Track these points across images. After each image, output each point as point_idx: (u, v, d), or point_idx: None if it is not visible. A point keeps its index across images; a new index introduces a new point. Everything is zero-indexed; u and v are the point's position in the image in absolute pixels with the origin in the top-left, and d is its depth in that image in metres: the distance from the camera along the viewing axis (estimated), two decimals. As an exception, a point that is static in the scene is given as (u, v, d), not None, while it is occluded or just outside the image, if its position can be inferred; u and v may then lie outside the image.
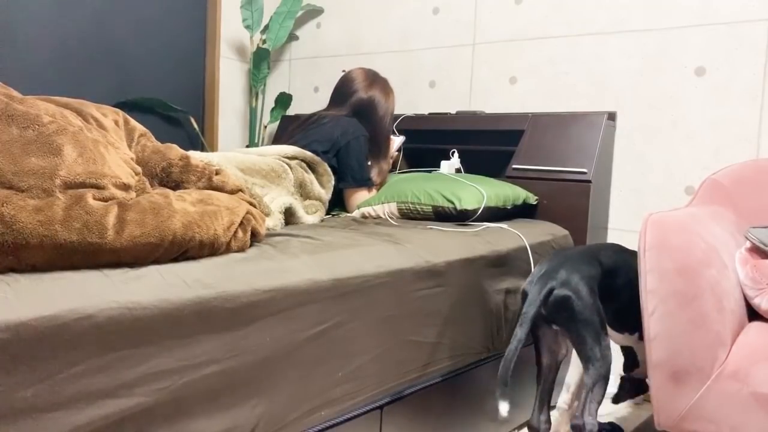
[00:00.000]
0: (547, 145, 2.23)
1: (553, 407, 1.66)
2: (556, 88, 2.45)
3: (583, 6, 2.38)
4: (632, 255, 1.60)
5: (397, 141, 2.40)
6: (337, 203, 2.15)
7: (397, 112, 2.76)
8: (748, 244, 1.53)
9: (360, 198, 2.12)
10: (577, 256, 1.49)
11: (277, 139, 2.32)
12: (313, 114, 2.21)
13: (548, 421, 1.48)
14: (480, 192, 1.93)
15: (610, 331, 1.55)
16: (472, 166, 2.39)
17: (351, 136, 2.09)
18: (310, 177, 1.93)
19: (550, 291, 1.41)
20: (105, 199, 1.01)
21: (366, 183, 2.13)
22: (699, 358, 1.31)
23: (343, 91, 2.25)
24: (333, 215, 2.11)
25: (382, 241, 1.48)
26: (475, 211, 1.88)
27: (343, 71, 2.86)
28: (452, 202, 1.89)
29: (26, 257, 0.91)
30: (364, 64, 2.98)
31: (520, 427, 1.91)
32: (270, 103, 3.22)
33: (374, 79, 2.26)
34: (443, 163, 2.35)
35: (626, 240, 2.30)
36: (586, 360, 1.41)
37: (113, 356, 0.89)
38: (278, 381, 1.13)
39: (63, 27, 2.57)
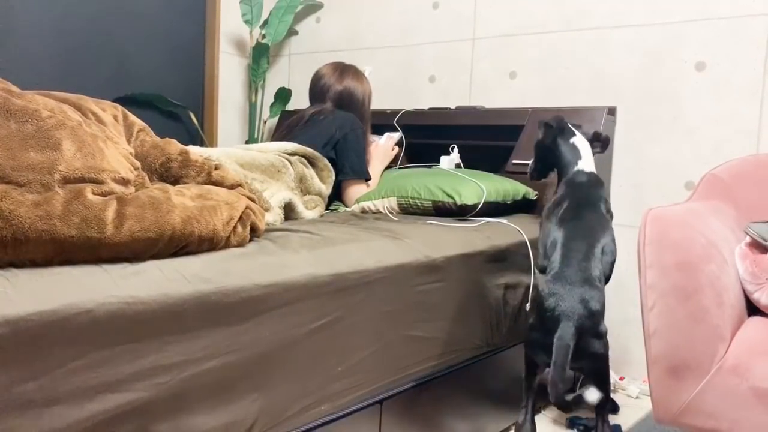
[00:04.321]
0: (547, 140, 2.22)
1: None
2: (556, 82, 2.44)
3: (583, 0, 2.37)
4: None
5: (394, 137, 2.40)
6: (336, 196, 2.16)
7: (396, 107, 2.76)
8: (747, 239, 1.53)
9: (358, 191, 2.12)
10: (582, 270, 1.44)
11: (274, 136, 2.33)
12: (303, 113, 2.21)
13: (534, 423, 1.53)
14: (480, 187, 1.93)
15: None
16: (471, 161, 2.39)
17: (348, 129, 2.11)
18: (310, 172, 1.93)
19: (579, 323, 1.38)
20: (104, 194, 1.01)
21: (365, 175, 2.14)
22: (698, 353, 1.31)
23: (318, 89, 2.27)
24: (332, 210, 2.11)
25: (382, 236, 1.48)
26: (474, 206, 1.88)
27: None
28: (452, 197, 1.89)
29: (25, 252, 0.91)
30: (363, 59, 2.98)
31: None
32: (269, 98, 3.21)
33: (343, 69, 2.29)
34: (443, 158, 2.35)
35: (626, 236, 2.30)
36: (606, 380, 1.46)
37: (113, 351, 0.89)
38: (278, 376, 1.13)
39: (62, 21, 2.56)
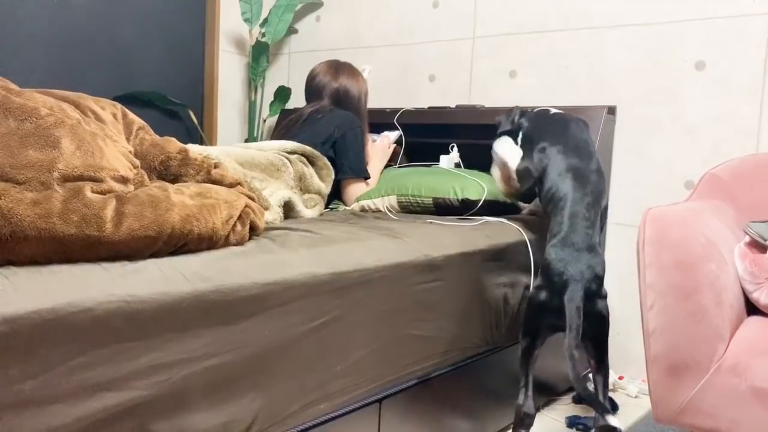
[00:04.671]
0: (547, 139, 2.22)
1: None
2: (555, 82, 2.44)
3: (582, 0, 2.37)
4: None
5: (392, 136, 2.40)
6: (335, 195, 2.16)
7: (396, 105, 2.76)
8: (747, 239, 1.53)
9: (358, 190, 2.12)
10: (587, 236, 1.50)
11: (273, 135, 2.33)
12: (301, 111, 2.21)
13: (534, 402, 1.52)
14: (480, 184, 1.93)
15: None
16: (471, 160, 2.39)
17: (347, 128, 2.10)
18: (309, 171, 1.93)
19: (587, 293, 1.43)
20: (103, 192, 1.01)
21: (364, 174, 2.13)
22: (697, 352, 1.31)
23: (313, 88, 2.27)
24: (332, 209, 2.11)
25: (381, 235, 1.48)
26: (476, 201, 1.88)
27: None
28: (455, 192, 1.89)
29: (24, 250, 0.91)
30: (363, 58, 2.98)
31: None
32: (269, 96, 3.21)
33: (338, 66, 2.29)
34: (442, 157, 2.35)
35: (626, 235, 2.30)
36: (605, 342, 1.47)
37: (112, 349, 0.89)
38: (277, 374, 1.14)
39: (62, 20, 2.56)
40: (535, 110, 1.91)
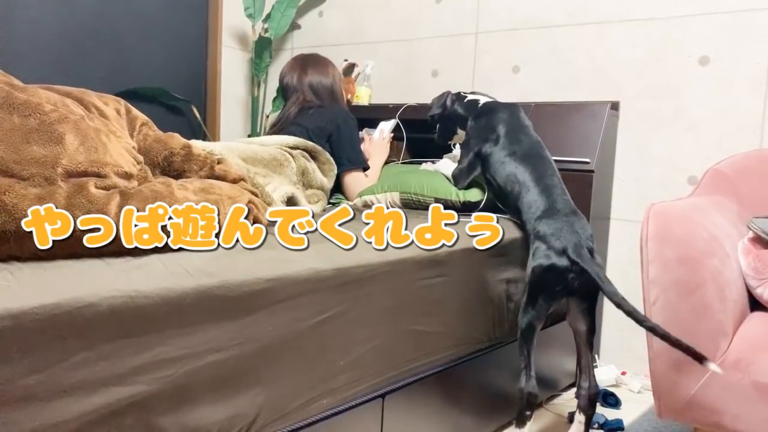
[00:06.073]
0: (550, 134, 2.21)
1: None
2: (559, 77, 2.43)
3: (586, -6, 2.36)
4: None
5: (387, 127, 2.38)
6: (337, 189, 2.16)
7: (399, 101, 2.76)
8: (750, 234, 1.53)
9: (358, 179, 2.12)
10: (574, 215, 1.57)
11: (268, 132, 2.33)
12: (287, 112, 2.20)
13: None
14: (482, 185, 1.93)
15: None
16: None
17: (340, 120, 2.11)
18: (312, 165, 1.93)
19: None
20: (107, 188, 1.01)
21: (362, 164, 2.14)
22: (701, 348, 1.31)
23: (284, 88, 2.28)
24: (334, 203, 2.11)
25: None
26: (478, 203, 1.88)
27: (345, 60, 2.85)
28: (457, 195, 1.89)
29: (28, 246, 0.91)
30: (366, 53, 2.97)
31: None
32: (272, 92, 3.21)
33: (303, 60, 2.29)
34: (444, 158, 2.33)
35: (629, 230, 2.30)
36: (594, 318, 1.54)
37: (116, 345, 0.89)
38: (280, 370, 1.14)
39: (64, 15, 2.56)
40: (466, 100, 2.01)
